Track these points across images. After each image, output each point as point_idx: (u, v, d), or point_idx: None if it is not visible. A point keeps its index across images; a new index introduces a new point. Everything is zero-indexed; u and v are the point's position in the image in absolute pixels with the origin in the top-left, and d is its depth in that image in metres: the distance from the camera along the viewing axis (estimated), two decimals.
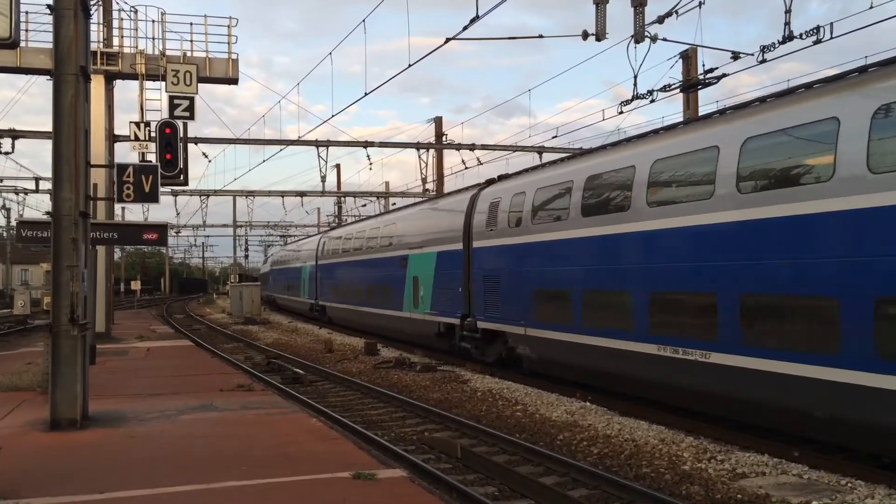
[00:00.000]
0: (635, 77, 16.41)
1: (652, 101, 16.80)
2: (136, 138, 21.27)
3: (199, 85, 20.02)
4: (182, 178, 21.24)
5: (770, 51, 14.05)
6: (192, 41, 22.62)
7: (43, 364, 12.38)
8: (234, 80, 23.54)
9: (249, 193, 45.15)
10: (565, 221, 13.75)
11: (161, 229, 15.84)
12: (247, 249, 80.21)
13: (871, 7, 12.45)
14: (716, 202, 10.13)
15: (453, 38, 15.04)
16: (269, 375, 17.20)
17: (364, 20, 18.04)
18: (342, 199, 53.97)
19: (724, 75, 16.01)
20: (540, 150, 30.62)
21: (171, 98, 19.19)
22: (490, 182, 18.40)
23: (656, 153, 11.56)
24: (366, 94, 19.90)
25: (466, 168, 31.59)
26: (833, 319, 8.47)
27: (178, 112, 18.93)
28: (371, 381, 16.14)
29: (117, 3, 24.11)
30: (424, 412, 12.56)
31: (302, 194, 43.56)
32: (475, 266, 17.58)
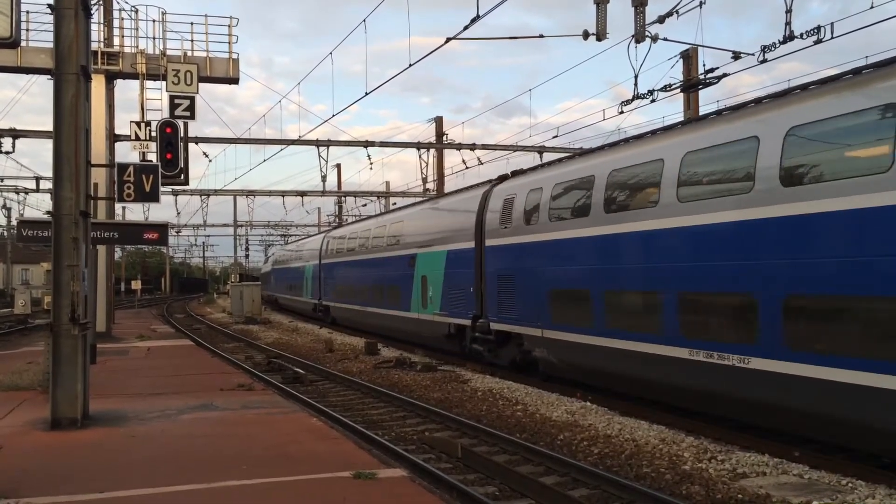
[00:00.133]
0: (636, 77, 16.40)
1: (652, 100, 16.79)
2: (137, 138, 21.28)
3: (200, 84, 20.01)
4: (183, 177, 21.23)
5: (771, 51, 14.05)
6: (192, 41, 22.64)
7: (43, 363, 12.38)
8: (234, 80, 23.55)
9: (250, 193, 45.14)
10: (586, 218, 13.03)
11: (161, 229, 15.87)
12: (247, 249, 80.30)
13: (872, 7, 12.45)
14: (756, 196, 9.41)
15: (454, 38, 15.03)
16: (269, 375, 17.21)
17: (364, 20, 18.04)
18: (343, 198, 54.01)
19: (725, 75, 16.00)
20: (540, 150, 30.61)
21: (172, 98, 19.19)
22: (502, 178, 17.78)
23: (688, 145, 10.88)
24: (366, 94, 19.90)
25: (467, 168, 31.58)
26: None
27: (178, 112, 18.93)
28: (371, 381, 16.14)
29: (118, 3, 24.14)
30: (425, 412, 12.56)
31: (302, 194, 43.56)
32: (488, 265, 16.96)
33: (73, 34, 9.66)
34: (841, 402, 8.33)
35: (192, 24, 22.94)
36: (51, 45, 10.98)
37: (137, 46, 23.13)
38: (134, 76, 23.14)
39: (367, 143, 31.10)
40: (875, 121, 8.23)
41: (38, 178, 36.60)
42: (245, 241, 77.19)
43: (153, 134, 20.29)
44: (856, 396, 8.10)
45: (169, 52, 22.69)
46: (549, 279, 14.31)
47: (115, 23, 23.39)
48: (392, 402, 13.78)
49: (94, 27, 16.60)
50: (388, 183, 53.49)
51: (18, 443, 8.84)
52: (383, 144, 31.89)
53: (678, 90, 17.46)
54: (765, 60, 14.31)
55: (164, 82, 20.74)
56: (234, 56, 23.08)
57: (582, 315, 13.09)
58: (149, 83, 22.77)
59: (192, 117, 19.48)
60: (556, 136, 33.47)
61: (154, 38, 22.98)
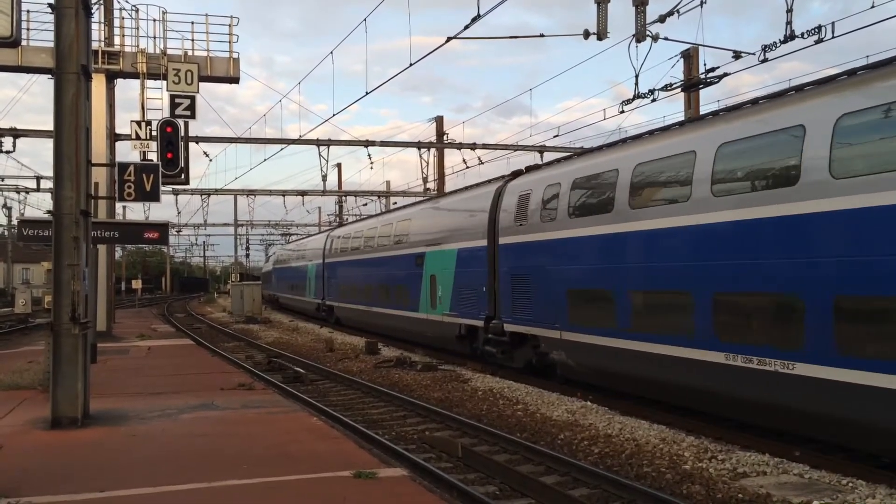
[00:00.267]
0: (636, 76, 16.36)
1: (653, 100, 16.76)
2: (138, 137, 21.27)
3: (201, 84, 19.98)
4: (183, 177, 21.21)
5: (771, 50, 14.03)
6: (193, 40, 22.68)
7: (44, 362, 12.39)
8: (235, 80, 23.57)
9: (250, 192, 45.15)
10: (609, 214, 12.40)
11: (162, 228, 15.89)
12: (248, 248, 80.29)
13: (873, 6, 12.43)
14: (803, 190, 8.81)
15: (454, 38, 15.02)
16: (269, 374, 17.21)
17: (365, 19, 18.03)
18: (343, 198, 54.01)
19: (726, 74, 15.97)
20: (541, 150, 30.61)
21: (173, 97, 19.18)
22: (516, 174, 17.15)
23: (723, 136, 10.23)
24: (367, 94, 19.87)
25: (468, 167, 31.56)
26: None
27: (179, 111, 18.92)
28: (372, 380, 16.14)
29: (118, 2, 24.24)
30: (425, 411, 12.56)
31: (303, 193, 43.58)
32: (502, 264, 16.31)
33: (73, 33, 9.66)
34: None
35: (192, 23, 23.03)
36: (51, 44, 10.99)
37: (138, 46, 23.16)
38: (134, 75, 23.16)
39: (367, 143, 31.10)
40: None
41: (38, 178, 36.62)
42: (245, 240, 77.29)
43: (154, 133, 20.27)
44: None
45: (169, 52, 22.71)
46: (568, 278, 13.71)
47: (116, 22, 23.44)
48: (392, 401, 13.78)
49: (94, 26, 16.58)
50: (388, 182, 53.52)
51: (19, 442, 8.85)
52: (384, 144, 31.89)
53: (679, 90, 17.44)
54: (765, 60, 14.29)
55: (164, 82, 20.72)
56: (235, 55, 23.14)
57: (604, 316, 12.49)
58: (149, 82, 22.80)
59: (193, 117, 19.46)
60: (556, 136, 33.42)
61: (154, 38, 23.04)
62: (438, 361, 18.87)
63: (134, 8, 23.18)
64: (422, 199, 30.72)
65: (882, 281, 7.93)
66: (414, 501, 6.50)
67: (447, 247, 19.52)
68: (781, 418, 9.50)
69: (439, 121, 36.32)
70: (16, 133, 27.00)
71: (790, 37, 13.37)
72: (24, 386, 13.30)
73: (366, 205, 52.31)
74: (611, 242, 12.40)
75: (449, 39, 15.24)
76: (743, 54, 15.70)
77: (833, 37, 12.92)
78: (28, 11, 20.50)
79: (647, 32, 15.47)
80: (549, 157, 28.12)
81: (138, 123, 21.47)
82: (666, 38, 16.11)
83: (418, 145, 33.42)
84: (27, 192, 41.47)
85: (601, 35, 15.58)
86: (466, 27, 14.14)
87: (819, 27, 13.03)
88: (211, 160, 32.38)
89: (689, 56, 20.68)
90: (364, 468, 7.39)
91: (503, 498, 8.04)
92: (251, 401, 11.88)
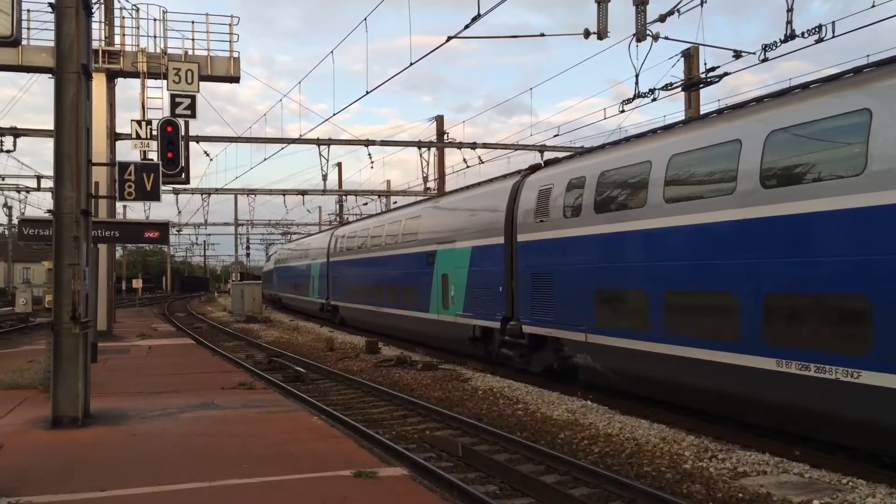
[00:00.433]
0: (637, 76, 16.36)
1: (654, 99, 16.76)
2: (138, 136, 21.29)
3: (201, 83, 19.98)
4: (183, 176, 21.27)
5: (772, 49, 14.02)
6: (193, 39, 22.73)
7: (44, 362, 12.40)
8: (235, 79, 23.59)
9: (251, 192, 45.19)
10: (642, 209, 11.62)
11: (162, 227, 15.91)
12: (248, 248, 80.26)
13: (873, 6, 12.42)
14: (870, 181, 8.05)
15: (455, 37, 15.01)
16: (270, 374, 17.21)
17: (365, 19, 18.01)
18: (344, 197, 54.03)
19: (726, 74, 15.97)
20: (541, 149, 30.60)
21: (173, 96, 19.19)
22: (534, 168, 16.56)
23: (773, 122, 9.44)
24: (367, 93, 19.82)
25: (468, 167, 31.57)
26: None
27: (179, 110, 18.92)
28: (372, 380, 16.14)
29: (119, 2, 24.26)
30: (425, 411, 12.56)
31: (303, 193, 43.62)
32: (521, 262, 15.53)
33: (73, 33, 9.66)
34: None
35: (192, 22, 23.10)
36: (52, 43, 10.99)
37: (138, 45, 23.20)
38: (135, 75, 23.18)
39: (367, 142, 31.09)
40: None
41: (39, 177, 36.62)
42: (246, 239, 77.28)
43: (154, 133, 20.28)
44: None
45: (170, 51, 22.73)
46: (595, 277, 12.90)
47: (116, 21, 23.47)
48: (393, 400, 13.78)
49: (94, 26, 16.57)
50: (388, 182, 53.52)
51: (19, 441, 8.85)
52: (384, 143, 31.88)
53: (679, 89, 17.44)
54: (766, 59, 14.29)
55: (164, 81, 20.73)
56: (235, 55, 23.18)
57: (636, 318, 11.72)
58: (150, 82, 22.82)
59: (193, 116, 19.47)
60: (556, 135, 33.41)
61: (155, 37, 23.10)
62: (439, 361, 18.87)
63: (134, 7, 23.27)
64: (430, 196, 30.40)
65: None
66: (414, 501, 6.50)
67: (460, 245, 18.80)
68: (842, 431, 8.76)
69: (440, 120, 36.32)
70: (16, 132, 27.00)
71: (790, 36, 13.37)
72: (25, 385, 13.31)
73: (366, 204, 52.41)
74: (644, 239, 11.64)
75: (449, 39, 15.23)
76: (743, 54, 15.71)
77: (833, 36, 12.93)
78: (28, 11, 20.56)
79: (648, 32, 15.47)
80: (549, 156, 28.09)
81: (139, 123, 21.49)
82: (666, 38, 16.12)
83: (419, 144, 33.43)
84: (28, 192, 41.51)
85: (601, 34, 15.58)
86: (467, 26, 14.14)
87: (819, 27, 13.03)
88: (211, 159, 32.37)
89: (690, 55, 20.68)
90: (364, 467, 7.39)
91: (503, 497, 8.05)
92: (251, 400, 11.88)
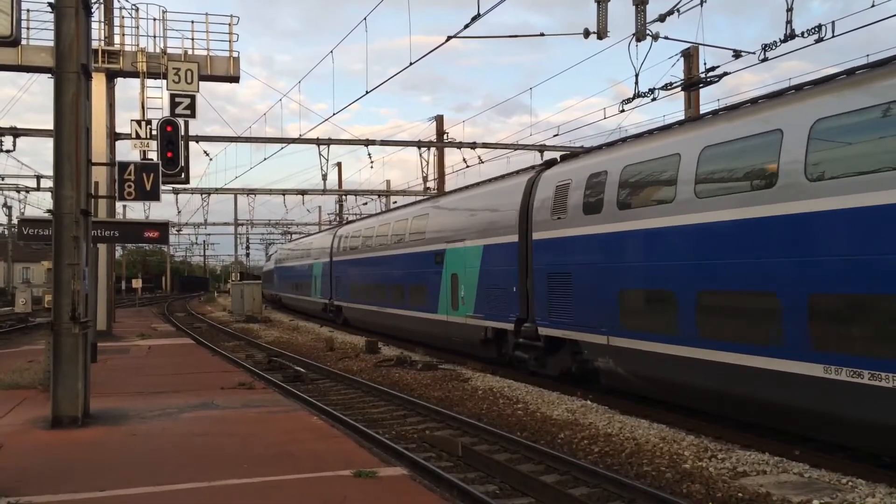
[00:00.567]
0: (637, 75, 16.35)
1: (653, 99, 16.77)
2: (138, 136, 21.29)
3: (201, 83, 19.99)
4: (183, 176, 21.29)
5: (772, 49, 14.02)
6: (193, 39, 22.71)
7: (44, 362, 12.40)
8: (235, 79, 23.58)
9: (251, 192, 45.16)
10: (670, 205, 11.01)
11: (162, 227, 15.89)
12: (248, 248, 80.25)
13: (873, 6, 12.42)
14: None
15: (455, 37, 15.00)
16: (270, 373, 17.21)
17: (365, 18, 18.01)
18: (343, 197, 54.03)
19: (726, 74, 15.97)
20: (541, 149, 30.59)
21: (173, 96, 19.19)
22: (549, 164, 16.07)
23: (818, 111, 8.85)
24: (367, 93, 19.80)
25: (468, 166, 31.57)
26: None
27: (179, 110, 18.92)
28: (372, 380, 16.14)
29: (118, 2, 24.27)
30: (425, 410, 12.56)
31: (303, 192, 43.59)
32: (536, 261, 14.91)
33: (73, 33, 9.66)
34: None
35: (192, 22, 23.14)
36: (51, 43, 10.99)
37: (138, 45, 23.19)
38: (134, 75, 23.17)
39: (367, 142, 31.08)
40: None
41: (38, 177, 36.62)
42: (246, 239, 77.27)
43: (154, 132, 20.28)
44: None
45: (169, 51, 22.72)
46: (619, 277, 12.29)
47: (116, 21, 23.45)
48: (393, 400, 13.78)
49: (94, 25, 16.60)
50: (388, 181, 53.51)
51: (19, 441, 8.85)
52: (384, 143, 31.87)
53: (679, 89, 17.45)
54: (766, 59, 14.29)
55: (164, 81, 20.73)
56: (235, 54, 23.17)
57: (665, 320, 11.13)
58: (149, 82, 22.81)
59: (193, 116, 19.47)
60: (556, 135, 33.30)
61: (154, 37, 23.09)
62: (438, 361, 18.86)
63: (134, 7, 23.29)
64: (430, 196, 30.25)
65: None
66: (414, 501, 6.50)
67: (471, 243, 18.18)
68: None
69: (439, 120, 36.33)
70: (16, 132, 26.99)
71: (790, 36, 13.37)
72: (25, 385, 13.31)
73: (366, 204, 52.40)
74: (674, 237, 11.02)
75: (449, 38, 15.23)
76: (743, 53, 15.71)
77: (833, 36, 12.92)
78: (28, 10, 20.52)
79: (647, 31, 15.47)
80: (548, 156, 28.06)
81: (138, 122, 21.49)
82: (666, 38, 16.11)
83: (418, 144, 33.42)
84: (27, 192, 41.49)
85: (601, 34, 15.58)
86: (466, 26, 14.14)
87: (819, 26, 13.03)
88: (211, 159, 32.41)
89: (690, 55, 20.67)
90: (364, 467, 7.39)
91: (503, 497, 8.05)
92: (251, 400, 11.88)
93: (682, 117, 19.91)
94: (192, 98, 19.17)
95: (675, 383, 11.22)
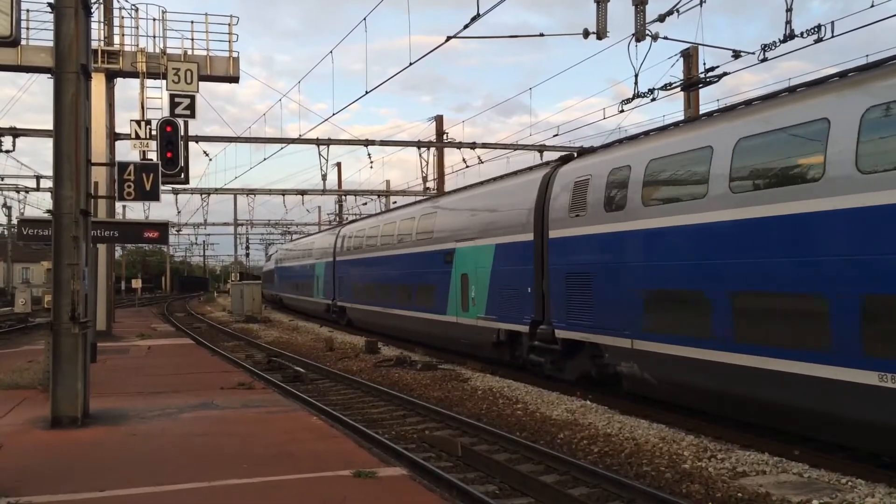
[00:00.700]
0: (636, 75, 16.35)
1: (653, 99, 16.78)
2: (137, 136, 21.29)
3: (200, 83, 19.99)
4: (183, 176, 21.24)
5: (771, 49, 14.03)
6: (192, 39, 22.70)
7: (44, 362, 12.40)
8: (234, 79, 23.58)
9: (250, 192, 45.16)
10: (702, 201, 10.40)
11: (162, 227, 15.90)
12: (248, 248, 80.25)
13: (873, 6, 12.42)
14: None
15: (454, 37, 15.02)
16: (269, 374, 17.21)
17: (365, 18, 18.01)
18: (343, 197, 54.03)
19: (725, 74, 15.99)
20: (541, 149, 30.59)
21: (172, 96, 19.19)
22: (566, 159, 15.45)
23: (868, 98, 8.28)
24: (367, 93, 19.82)
25: (468, 167, 31.57)
26: None
27: (178, 110, 18.92)
28: (372, 380, 16.14)
29: (118, 2, 24.27)
30: (425, 410, 12.56)
31: (303, 193, 43.58)
32: (553, 260, 14.30)
33: (73, 33, 9.66)
34: None
35: (192, 22, 23.10)
36: (51, 43, 10.99)
37: (138, 45, 23.18)
38: (134, 75, 23.17)
39: (367, 142, 31.08)
40: None
41: (38, 177, 36.60)
42: (245, 239, 77.27)
43: (153, 132, 20.28)
44: None
45: (169, 51, 22.72)
46: (644, 277, 11.70)
47: (116, 21, 23.44)
48: (392, 400, 13.79)
49: (94, 26, 16.63)
50: (388, 182, 53.47)
51: (19, 441, 8.85)
52: (384, 143, 31.87)
53: (678, 89, 17.46)
54: (765, 59, 14.29)
55: (164, 81, 20.74)
56: (235, 55, 23.16)
57: (694, 323, 10.53)
58: (149, 82, 22.81)
59: (193, 116, 19.47)
60: (556, 135, 33.37)
61: (154, 37, 23.07)
62: (438, 361, 18.86)
63: (133, 7, 23.24)
64: (430, 196, 30.16)
65: None
66: (414, 501, 6.50)
67: (482, 242, 17.51)
68: None
69: (439, 120, 36.34)
70: (15, 132, 26.98)
71: (790, 36, 13.37)
72: (24, 385, 13.30)
73: (365, 204, 52.39)
74: (705, 234, 10.41)
75: (449, 38, 15.24)
76: (742, 54, 15.72)
77: (833, 36, 12.93)
78: (28, 11, 20.50)
79: (647, 32, 15.49)
80: (548, 156, 28.09)
81: (138, 123, 21.49)
82: (665, 38, 16.13)
83: (418, 144, 33.43)
84: (27, 192, 41.48)
85: (601, 34, 15.59)
86: (466, 26, 14.14)
87: (819, 26, 13.04)
88: (211, 159, 32.43)
89: (689, 55, 20.67)
90: (364, 467, 7.39)
91: (503, 497, 8.05)
92: (251, 400, 11.88)
93: (682, 117, 19.91)
94: (192, 98, 19.17)
95: (708, 389, 10.63)
